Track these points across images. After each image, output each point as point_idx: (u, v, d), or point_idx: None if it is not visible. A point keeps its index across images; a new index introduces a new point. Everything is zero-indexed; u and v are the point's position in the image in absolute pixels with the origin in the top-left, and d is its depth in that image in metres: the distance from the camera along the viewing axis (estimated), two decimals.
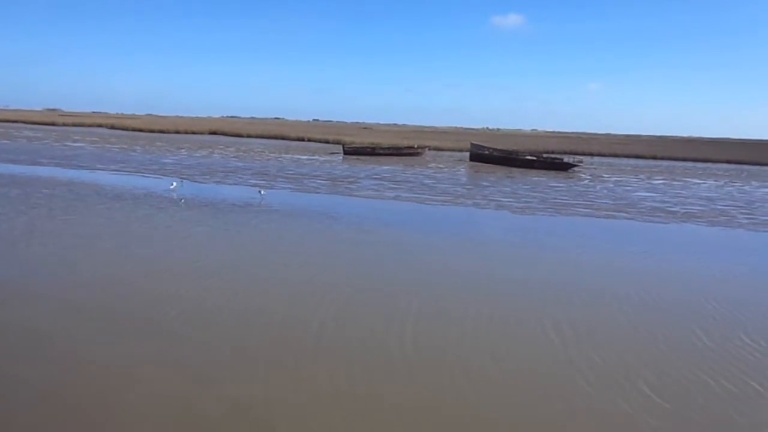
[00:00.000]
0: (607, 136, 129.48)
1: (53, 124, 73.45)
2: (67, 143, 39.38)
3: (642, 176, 31.86)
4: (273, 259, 10.03)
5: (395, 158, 37.10)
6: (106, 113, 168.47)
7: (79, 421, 4.73)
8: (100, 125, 74.11)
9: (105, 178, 20.45)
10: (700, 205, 20.14)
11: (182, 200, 15.70)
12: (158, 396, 5.13)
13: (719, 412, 5.29)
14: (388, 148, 40.85)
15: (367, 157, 36.91)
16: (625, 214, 17.11)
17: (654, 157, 50.75)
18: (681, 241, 13.74)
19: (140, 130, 65.19)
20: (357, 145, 42.15)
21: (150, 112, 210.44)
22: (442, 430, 4.80)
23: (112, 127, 70.49)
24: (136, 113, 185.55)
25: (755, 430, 5.11)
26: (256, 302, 7.63)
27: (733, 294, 9.11)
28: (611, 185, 26.02)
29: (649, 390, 5.61)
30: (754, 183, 30.79)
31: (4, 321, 6.67)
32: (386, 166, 30.50)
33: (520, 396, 5.45)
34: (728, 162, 48.70)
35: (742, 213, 18.72)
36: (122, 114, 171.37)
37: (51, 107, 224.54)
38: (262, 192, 17.28)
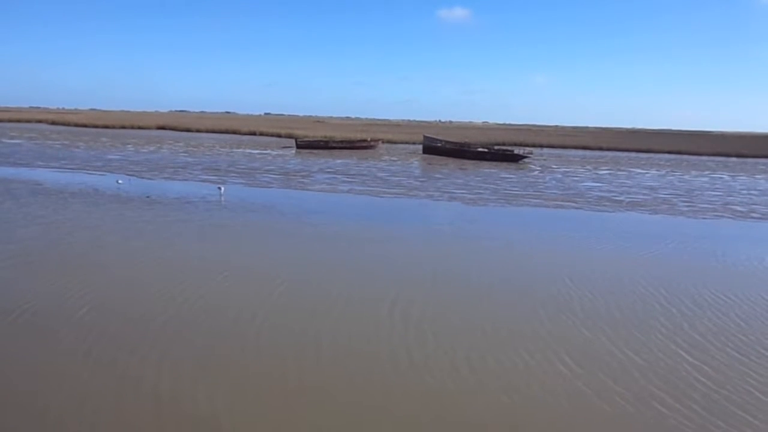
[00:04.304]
0: (556, 128, 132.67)
1: None
2: (3, 140, 37.48)
3: (589, 167, 32.83)
4: (216, 255, 9.79)
5: (349, 151, 36.97)
6: (45, 108, 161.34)
7: (5, 424, 4.54)
8: (39, 121, 70.82)
9: (45, 175, 19.58)
10: (644, 194, 20.91)
11: (149, 196, 15.28)
12: (86, 395, 4.99)
13: (533, 392, 5.42)
14: (342, 142, 40.68)
15: (321, 151, 36.66)
16: (573, 204, 17.59)
17: (600, 148, 52.32)
18: (613, 227, 14.25)
19: (83, 126, 62.74)
20: (310, 139, 41.81)
21: (93, 107, 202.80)
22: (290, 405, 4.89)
23: (53, 123, 67.40)
24: (79, 108, 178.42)
25: (573, 401, 5.26)
26: (188, 298, 7.46)
27: (601, 275, 9.47)
28: (560, 176, 26.70)
29: (468, 370, 5.77)
30: (693, 172, 32.16)
31: None
32: (340, 160, 30.37)
33: (349, 374, 5.60)
34: (669, 152, 50.64)
35: (682, 201, 19.53)
36: (63, 109, 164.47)
37: None
38: (222, 189, 16.56)
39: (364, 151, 38.31)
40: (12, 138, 39.69)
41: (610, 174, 28.89)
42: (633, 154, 47.38)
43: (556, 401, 5.24)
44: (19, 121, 70.10)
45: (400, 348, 6.21)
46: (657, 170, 32.58)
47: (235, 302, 7.38)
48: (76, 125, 63.57)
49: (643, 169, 33.13)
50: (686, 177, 29.08)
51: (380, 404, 5.08)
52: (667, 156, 47.22)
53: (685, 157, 46.93)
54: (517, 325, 7.01)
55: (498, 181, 23.17)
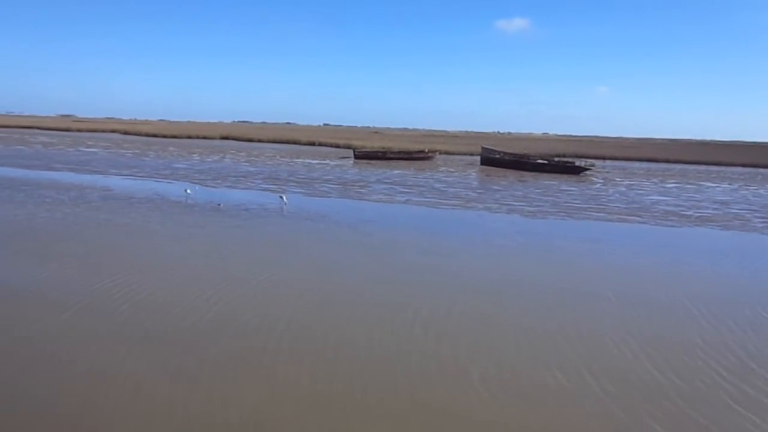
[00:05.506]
0: (619, 140, 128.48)
1: (67, 130, 74.38)
2: (81, 148, 39.82)
3: (655, 180, 31.57)
4: (275, 262, 9.99)
5: (406, 162, 37.07)
6: (119, 119, 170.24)
7: (60, 422, 4.72)
8: (113, 131, 74.87)
9: (116, 182, 20.64)
10: (714, 209, 19.92)
11: (220, 204, 15.99)
12: (142, 396, 5.14)
13: (564, 412, 5.18)
14: (399, 153, 40.76)
15: (378, 162, 36.92)
16: (638, 218, 16.95)
17: (667, 161, 50.26)
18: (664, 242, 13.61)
19: (153, 135, 65.81)
20: (368, 150, 42.13)
21: (162, 118, 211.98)
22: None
23: (126, 133, 71.13)
24: (149, 119, 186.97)
25: (606, 425, 5.02)
26: (249, 305, 7.59)
27: (635, 287, 8.99)
28: (623, 189, 25.82)
29: (498, 386, 5.62)
30: None
31: None
32: (397, 171, 30.49)
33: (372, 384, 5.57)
34: (743, 165, 48.09)
35: (757, 217, 18.46)
36: (135, 119, 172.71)
37: (65, 113, 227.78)
38: (284, 198, 16.79)
39: (422, 162, 38.30)
40: (89, 147, 42.10)
41: (677, 187, 27.69)
42: (702, 167, 45.24)
43: (587, 423, 5.05)
44: (95, 131, 74.36)
45: (432, 359, 6.15)
46: (729, 184, 30.96)
47: (283, 309, 7.50)
48: (147, 135, 66.74)
49: (713, 182, 31.58)
50: (761, 191, 27.49)
51: (406, 415, 5.05)
52: (740, 169, 44.84)
53: (761, 170, 44.41)
54: (555, 341, 6.80)
55: (558, 194, 22.65)
